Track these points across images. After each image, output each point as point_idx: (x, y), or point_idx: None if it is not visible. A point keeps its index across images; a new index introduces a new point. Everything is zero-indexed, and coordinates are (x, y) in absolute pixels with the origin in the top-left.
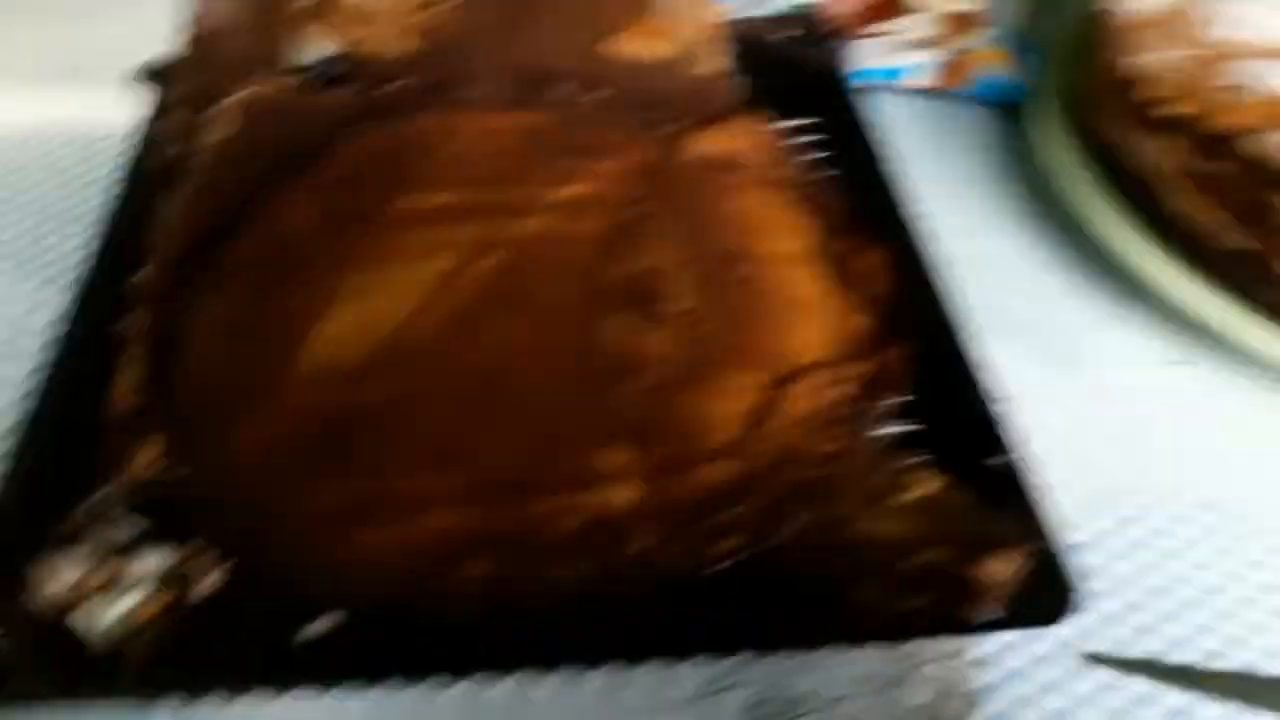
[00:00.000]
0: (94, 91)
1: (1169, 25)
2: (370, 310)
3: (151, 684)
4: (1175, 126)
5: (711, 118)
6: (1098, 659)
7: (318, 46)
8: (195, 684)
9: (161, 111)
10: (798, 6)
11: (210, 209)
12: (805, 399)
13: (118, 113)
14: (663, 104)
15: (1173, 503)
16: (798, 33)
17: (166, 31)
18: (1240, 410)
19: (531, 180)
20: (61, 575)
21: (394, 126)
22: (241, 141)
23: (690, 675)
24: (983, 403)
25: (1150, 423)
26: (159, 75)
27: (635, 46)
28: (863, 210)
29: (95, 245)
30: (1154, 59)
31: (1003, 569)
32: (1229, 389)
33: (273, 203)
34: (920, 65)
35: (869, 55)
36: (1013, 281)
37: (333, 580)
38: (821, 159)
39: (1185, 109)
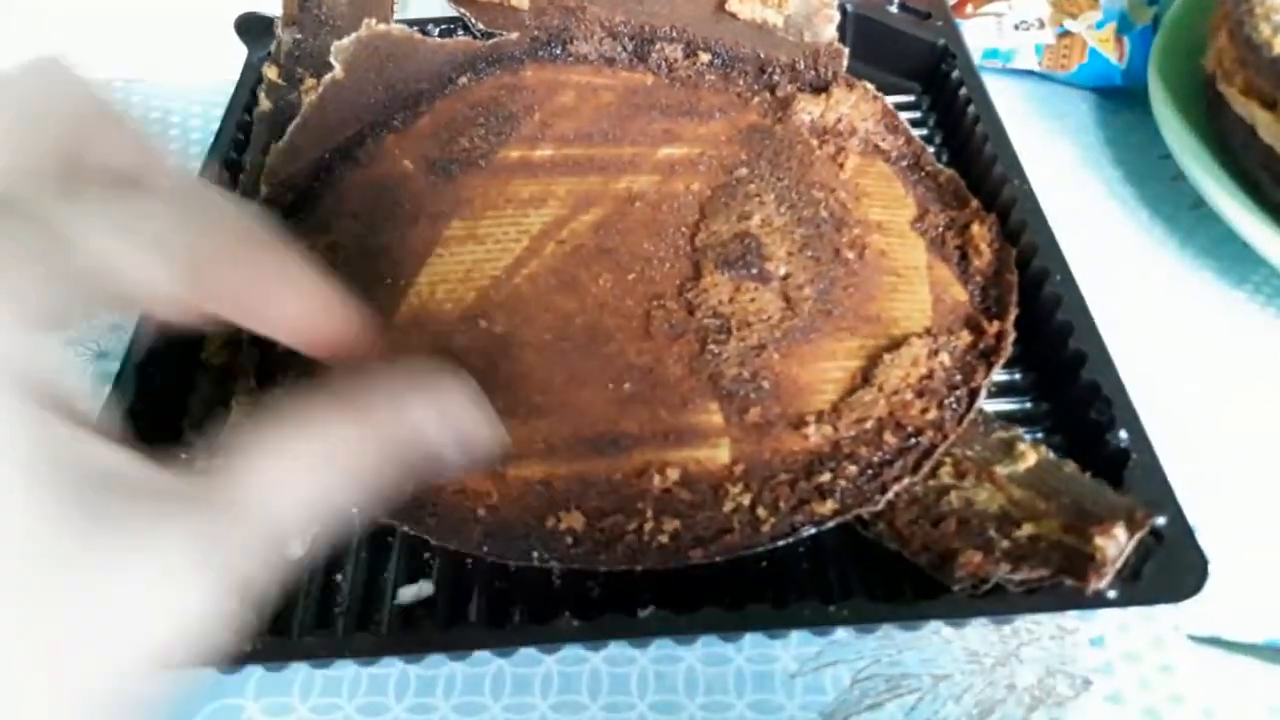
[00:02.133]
0: (205, 36)
1: None
2: (470, 259)
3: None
4: None
5: (820, 85)
6: (1211, 641)
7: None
8: (281, 652)
9: (270, 58)
10: None
11: (316, 150)
12: (906, 367)
13: (226, 59)
14: (769, 70)
15: None
16: (912, 8)
17: None
18: None
19: (636, 138)
20: None
21: (502, 76)
22: (352, 82)
23: (792, 650)
24: (1096, 379)
25: (1270, 403)
26: (267, 23)
27: (749, 10)
28: (969, 183)
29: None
30: None
31: (1115, 544)
32: None
33: (380, 145)
34: (1030, 47)
35: (980, 34)
36: (1126, 263)
37: (425, 531)
38: (929, 136)
39: None
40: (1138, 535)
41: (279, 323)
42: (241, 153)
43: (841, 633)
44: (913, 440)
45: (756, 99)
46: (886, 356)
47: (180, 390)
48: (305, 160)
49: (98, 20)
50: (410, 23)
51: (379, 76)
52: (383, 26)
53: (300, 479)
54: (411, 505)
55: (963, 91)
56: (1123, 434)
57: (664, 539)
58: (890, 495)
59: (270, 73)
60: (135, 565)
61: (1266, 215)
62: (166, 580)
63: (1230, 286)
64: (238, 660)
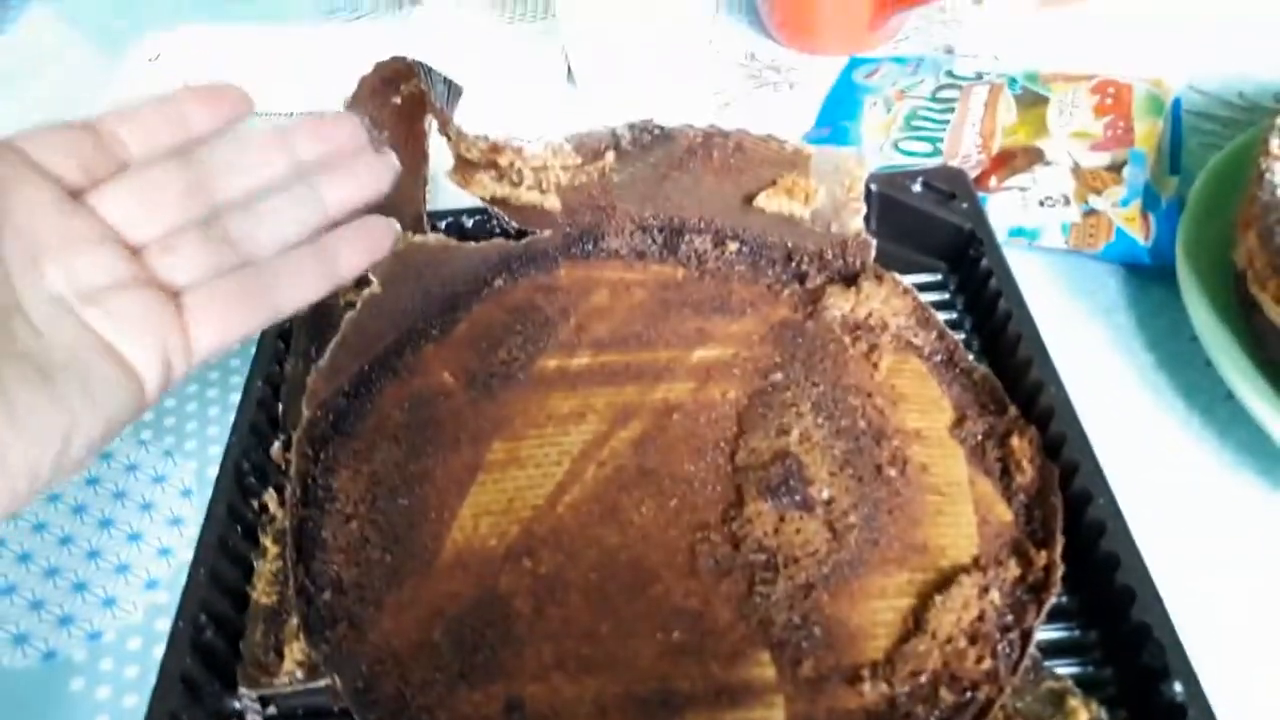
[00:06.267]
0: None
1: None
2: (513, 487)
3: None
4: None
5: (849, 276)
6: None
7: (451, 198)
8: None
9: None
10: (918, 158)
11: (356, 364)
12: (957, 610)
13: None
14: (798, 260)
15: None
16: (928, 186)
17: None
18: None
19: (669, 339)
20: None
21: (537, 277)
22: (390, 293)
23: None
24: (1147, 620)
25: None
26: None
27: (781, 202)
28: (1005, 383)
29: (241, 412)
30: None
31: None
32: None
33: (419, 356)
34: (1056, 224)
35: (1005, 211)
36: (1165, 455)
37: None
38: (957, 321)
39: None
40: None
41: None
42: (282, 364)
43: None
44: (968, 695)
45: (786, 290)
46: (937, 598)
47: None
48: (345, 376)
49: None
50: (443, 214)
51: (416, 285)
52: (419, 238)
53: None
54: None
55: (992, 283)
56: (1177, 686)
57: None
58: None
59: None
60: None
61: None
62: None
63: (1273, 488)
64: None
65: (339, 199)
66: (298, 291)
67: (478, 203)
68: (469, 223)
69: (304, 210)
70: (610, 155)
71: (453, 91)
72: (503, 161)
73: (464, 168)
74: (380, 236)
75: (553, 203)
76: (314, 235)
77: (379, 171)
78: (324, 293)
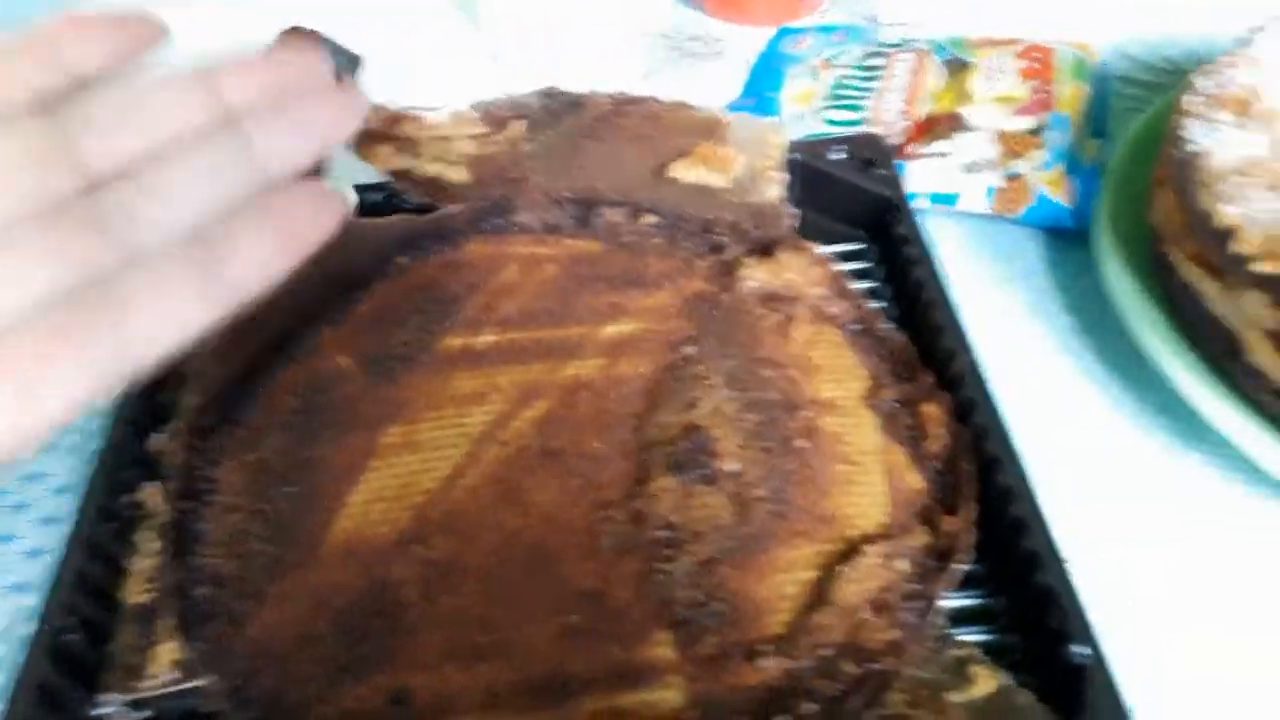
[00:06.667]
0: None
1: (1258, 174)
2: (408, 470)
3: None
4: (1264, 283)
5: (766, 246)
6: None
7: (365, 173)
8: None
9: None
10: (842, 127)
11: (244, 351)
12: (862, 580)
13: None
14: (715, 231)
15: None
16: (850, 155)
17: None
18: None
19: (578, 316)
20: None
21: (445, 253)
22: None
23: None
24: (1051, 585)
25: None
26: None
27: (697, 172)
28: (921, 350)
29: (119, 402)
30: (1243, 210)
31: None
32: None
33: (316, 340)
34: (980, 189)
35: (926, 178)
36: (1077, 416)
37: None
38: (878, 289)
39: (1270, 267)
40: None
41: None
42: None
43: None
44: (870, 666)
45: (703, 263)
46: (842, 569)
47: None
48: (235, 361)
49: None
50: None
51: (312, 264)
52: None
53: None
54: None
55: (912, 243)
56: (1076, 649)
57: None
58: None
59: None
60: None
61: (1215, 380)
62: None
63: (1185, 449)
64: None
65: (281, 152)
66: (161, 320)
67: (382, 178)
68: (377, 198)
69: (221, 176)
70: (520, 124)
71: (352, 62)
72: (403, 132)
73: (365, 140)
74: (322, 215)
75: (459, 175)
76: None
77: (342, 109)
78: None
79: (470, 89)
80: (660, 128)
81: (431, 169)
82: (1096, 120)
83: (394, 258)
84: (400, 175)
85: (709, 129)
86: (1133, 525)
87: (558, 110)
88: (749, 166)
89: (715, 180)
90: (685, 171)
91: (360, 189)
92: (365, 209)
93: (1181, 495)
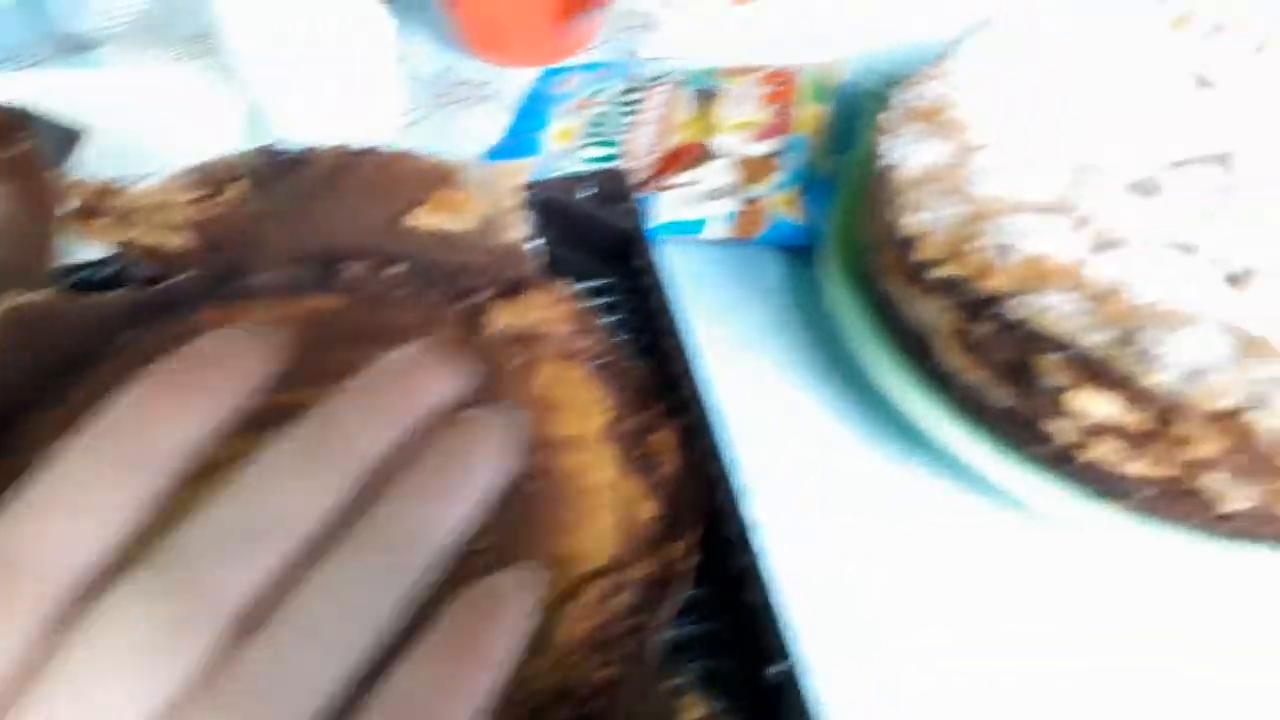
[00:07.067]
0: None
1: (939, 182)
2: None
3: None
4: (945, 287)
5: (513, 288)
6: None
7: (85, 250)
8: None
9: None
10: (600, 163)
11: None
12: (583, 618)
13: None
14: (462, 276)
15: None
16: (598, 191)
17: None
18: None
19: (323, 375)
20: None
21: (172, 326)
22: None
23: None
24: (755, 596)
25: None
26: None
27: (435, 219)
28: (656, 381)
29: None
30: (925, 218)
31: None
32: (1016, 534)
33: (26, 432)
34: (719, 215)
35: (671, 208)
36: (803, 432)
37: None
38: (620, 324)
39: (953, 271)
40: None
41: None
42: None
43: None
44: (589, 705)
45: (450, 311)
46: (565, 607)
47: None
48: None
49: None
50: (68, 270)
51: (22, 351)
52: (26, 297)
53: None
54: None
55: (651, 275)
56: (775, 668)
57: None
58: None
59: None
60: None
61: (926, 387)
62: None
63: (903, 459)
64: None
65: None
66: None
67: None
68: (108, 273)
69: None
70: (239, 185)
71: (69, 137)
72: (112, 204)
73: (82, 215)
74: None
75: (183, 241)
76: None
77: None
78: None
79: (224, 149)
80: (392, 177)
81: (150, 239)
82: (840, 138)
83: (118, 336)
84: (126, 247)
85: (442, 176)
86: (855, 537)
87: (280, 167)
88: (491, 208)
89: (455, 225)
90: (425, 219)
91: (89, 265)
92: (94, 285)
93: (903, 505)
